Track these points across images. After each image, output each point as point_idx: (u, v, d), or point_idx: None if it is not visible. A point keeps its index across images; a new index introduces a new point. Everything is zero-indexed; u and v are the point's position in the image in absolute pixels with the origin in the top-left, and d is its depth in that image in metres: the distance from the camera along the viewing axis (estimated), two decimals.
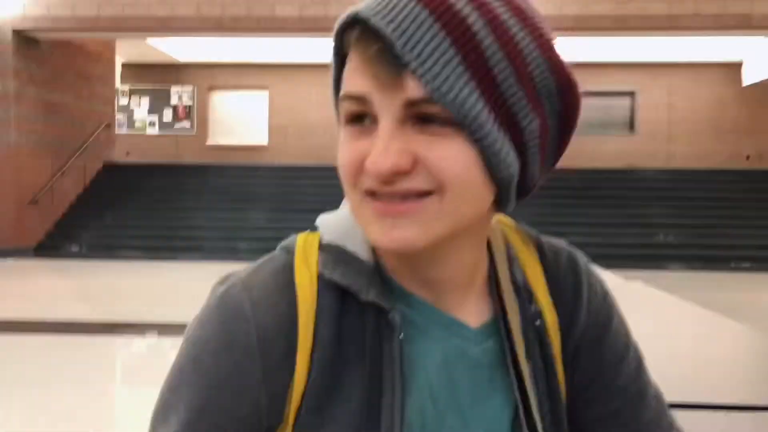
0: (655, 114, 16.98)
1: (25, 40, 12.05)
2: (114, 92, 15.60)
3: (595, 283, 0.74)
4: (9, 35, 11.72)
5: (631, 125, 16.93)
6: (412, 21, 0.55)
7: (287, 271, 0.65)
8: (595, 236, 11.39)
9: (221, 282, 0.66)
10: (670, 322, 2.32)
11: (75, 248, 12.35)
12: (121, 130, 17.20)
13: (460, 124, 0.56)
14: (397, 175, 0.57)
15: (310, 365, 0.62)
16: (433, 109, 0.56)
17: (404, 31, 0.55)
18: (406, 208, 0.58)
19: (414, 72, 0.55)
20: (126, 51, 15.92)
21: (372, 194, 0.59)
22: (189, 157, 17.21)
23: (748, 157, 16.58)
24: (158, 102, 17.89)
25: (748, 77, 13.92)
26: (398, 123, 0.57)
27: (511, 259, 0.71)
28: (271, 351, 0.62)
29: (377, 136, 0.57)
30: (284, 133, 17.55)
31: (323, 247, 0.66)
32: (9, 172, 11.80)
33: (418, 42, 0.55)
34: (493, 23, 0.57)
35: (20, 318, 6.49)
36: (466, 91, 0.55)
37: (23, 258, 11.35)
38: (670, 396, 0.76)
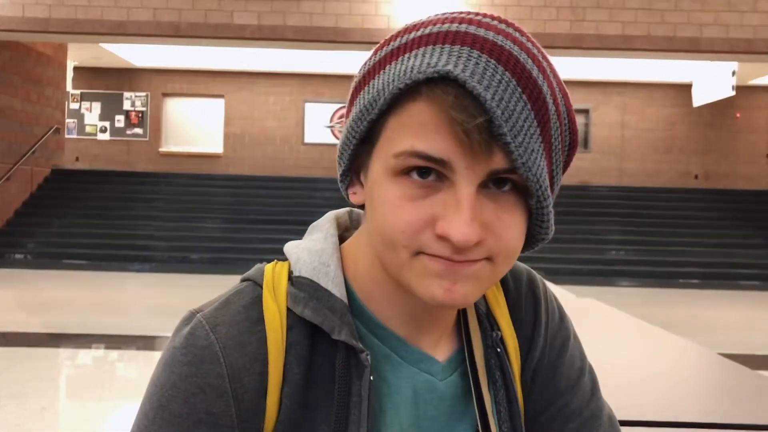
0: (609, 132, 17.35)
1: None
2: (64, 96, 15.21)
3: (553, 308, 0.74)
4: None
5: (585, 142, 17.26)
6: (506, 88, 0.52)
7: (256, 306, 0.61)
8: (549, 252, 11.53)
9: (186, 321, 0.61)
10: (621, 338, 2.33)
11: (20, 256, 11.95)
12: (71, 135, 16.80)
13: (529, 192, 0.56)
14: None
15: (280, 403, 0.59)
16: (511, 176, 0.55)
17: (501, 100, 0.51)
18: (470, 267, 0.57)
19: (506, 145, 0.52)
20: (78, 54, 15.56)
21: (425, 253, 0.57)
22: (141, 165, 16.88)
23: (696, 177, 17.05)
24: (110, 107, 17.53)
25: (697, 99, 14.31)
26: (478, 190, 0.55)
27: None
28: (245, 392, 0.58)
29: (457, 202, 0.54)
30: (240, 141, 17.37)
31: (293, 281, 0.63)
32: None
33: (512, 113, 0.52)
34: (552, 90, 0.56)
35: None
36: (542, 164, 0.55)
37: None
38: (618, 413, 0.75)
